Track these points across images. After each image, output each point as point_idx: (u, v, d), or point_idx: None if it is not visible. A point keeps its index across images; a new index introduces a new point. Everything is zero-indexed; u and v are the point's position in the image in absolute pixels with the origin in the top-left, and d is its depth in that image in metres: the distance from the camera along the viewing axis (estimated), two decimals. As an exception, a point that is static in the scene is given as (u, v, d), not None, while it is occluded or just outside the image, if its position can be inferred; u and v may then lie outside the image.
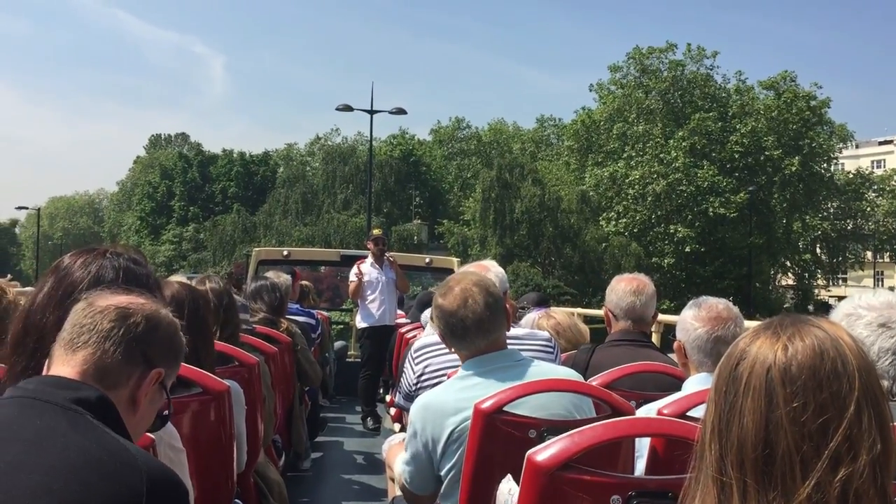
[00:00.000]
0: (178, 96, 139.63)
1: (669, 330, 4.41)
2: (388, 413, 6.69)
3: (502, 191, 36.80)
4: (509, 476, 2.04)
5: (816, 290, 49.76)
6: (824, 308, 44.20)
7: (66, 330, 1.45)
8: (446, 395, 2.43)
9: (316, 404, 6.35)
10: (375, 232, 8.15)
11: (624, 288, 3.32)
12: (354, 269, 7.67)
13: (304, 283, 7.73)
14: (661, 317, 4.56)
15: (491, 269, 3.35)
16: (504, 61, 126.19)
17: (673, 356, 2.79)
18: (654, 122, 41.82)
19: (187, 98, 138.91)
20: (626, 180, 40.62)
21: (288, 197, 43.11)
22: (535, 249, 36.73)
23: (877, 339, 1.78)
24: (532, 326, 3.98)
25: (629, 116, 42.36)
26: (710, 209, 39.37)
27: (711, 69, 43.77)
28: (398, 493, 2.91)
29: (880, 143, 68.04)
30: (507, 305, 2.63)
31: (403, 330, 5.97)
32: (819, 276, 48.80)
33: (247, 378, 3.00)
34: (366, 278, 7.59)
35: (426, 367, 3.30)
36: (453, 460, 2.34)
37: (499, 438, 2.20)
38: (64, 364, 1.41)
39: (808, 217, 42.59)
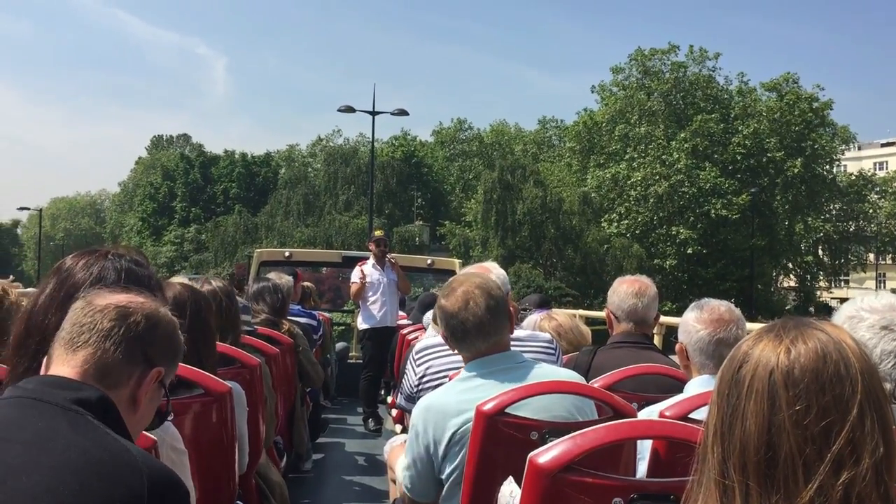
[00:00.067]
0: (180, 97, 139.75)
1: (671, 332, 4.40)
2: (390, 414, 6.69)
3: (504, 192, 36.82)
4: (511, 478, 2.04)
5: (818, 292, 49.70)
6: (825, 310, 44.17)
7: (66, 329, 1.44)
8: (448, 397, 2.42)
9: (317, 405, 6.35)
10: (377, 233, 8.15)
11: (626, 290, 3.32)
12: (357, 271, 7.67)
13: (306, 284, 7.73)
14: (662, 319, 4.54)
15: (492, 271, 3.35)
16: (506, 63, 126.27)
17: (675, 358, 2.78)
18: (656, 123, 41.81)
19: (189, 99, 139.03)
20: (628, 182, 40.61)
21: (290, 198, 43.16)
22: (536, 251, 36.73)
23: (879, 341, 1.77)
24: (534, 328, 3.98)
25: (631, 118, 42.36)
26: (712, 211, 39.35)
27: (714, 71, 43.79)
28: (399, 494, 2.90)
29: (882, 145, 67.98)
30: (511, 308, 2.62)
31: (405, 331, 5.97)
32: (821, 277, 48.75)
33: (248, 379, 3.00)
34: (367, 280, 7.59)
35: (428, 368, 3.30)
36: (455, 462, 2.34)
37: (501, 440, 2.19)
38: (64, 364, 1.40)
39: (810, 219, 42.56)
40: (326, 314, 8.66)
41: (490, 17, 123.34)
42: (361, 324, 7.82)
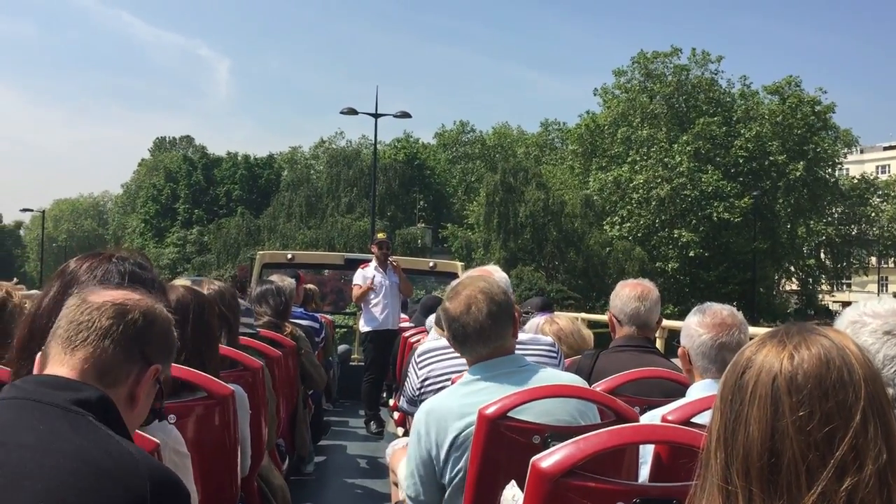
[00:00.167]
0: (183, 99, 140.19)
1: (673, 336, 4.40)
2: (392, 417, 6.69)
3: (506, 195, 36.82)
4: (513, 482, 2.04)
5: (820, 296, 49.66)
6: (825, 313, 44.16)
7: (62, 327, 1.42)
8: (451, 401, 2.42)
9: (319, 408, 6.35)
10: (380, 236, 8.15)
11: (628, 293, 3.32)
12: (361, 274, 7.67)
13: (309, 286, 7.73)
14: (665, 322, 4.55)
15: (494, 275, 3.35)
16: (509, 65, 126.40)
17: (677, 361, 2.78)
18: (659, 126, 41.80)
19: (192, 101, 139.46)
20: (631, 185, 40.60)
21: (292, 200, 43.18)
22: (538, 253, 36.73)
23: (882, 346, 1.77)
24: (536, 331, 3.98)
25: (633, 121, 42.36)
26: (715, 214, 39.32)
27: (716, 74, 43.79)
28: (401, 497, 2.90)
29: (885, 149, 67.90)
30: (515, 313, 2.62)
31: (407, 334, 5.97)
32: (823, 281, 48.72)
33: (251, 382, 3.00)
34: (366, 283, 7.59)
35: (430, 371, 3.31)
36: (457, 466, 2.34)
37: (503, 444, 2.19)
38: (61, 363, 1.39)
39: (812, 222, 42.52)
40: (329, 316, 8.67)
41: (493, 20, 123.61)
42: (363, 326, 7.81)
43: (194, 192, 56.05)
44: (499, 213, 36.67)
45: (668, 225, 40.36)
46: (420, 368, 3.35)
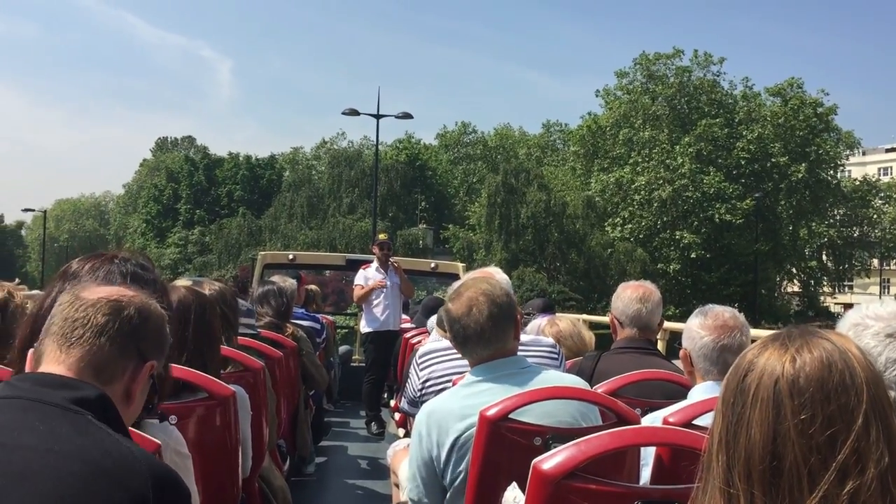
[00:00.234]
0: (185, 100, 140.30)
1: (675, 337, 4.39)
2: (393, 418, 6.69)
3: (508, 196, 36.83)
4: (514, 484, 2.04)
5: (822, 298, 49.64)
6: (825, 315, 44.16)
7: (56, 324, 1.41)
8: (452, 402, 2.42)
9: (320, 409, 6.35)
10: (381, 237, 8.15)
11: (630, 295, 3.31)
12: (363, 275, 7.67)
13: (311, 287, 7.73)
14: (666, 324, 4.54)
15: (495, 277, 3.35)
16: (510, 66, 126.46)
17: (678, 363, 2.78)
18: (661, 128, 41.80)
19: (194, 101, 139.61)
20: (632, 186, 40.59)
21: (293, 201, 43.20)
22: (540, 255, 36.72)
23: (884, 349, 1.77)
24: (537, 333, 3.98)
25: (635, 122, 42.35)
26: (716, 215, 39.30)
27: (718, 75, 43.78)
28: (403, 498, 2.90)
29: (887, 151, 67.88)
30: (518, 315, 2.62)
31: (409, 335, 5.97)
32: (825, 283, 48.69)
33: (252, 383, 3.00)
34: (371, 283, 7.59)
35: (431, 372, 3.31)
36: (458, 468, 2.33)
37: (504, 446, 2.19)
38: (57, 361, 1.38)
39: (814, 224, 42.50)
40: (330, 317, 8.67)
41: (495, 21, 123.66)
42: (364, 327, 7.82)
43: (196, 192, 56.07)
44: (500, 214, 36.67)
45: (670, 226, 40.35)
46: (421, 370, 3.35)
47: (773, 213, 41.77)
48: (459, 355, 2.66)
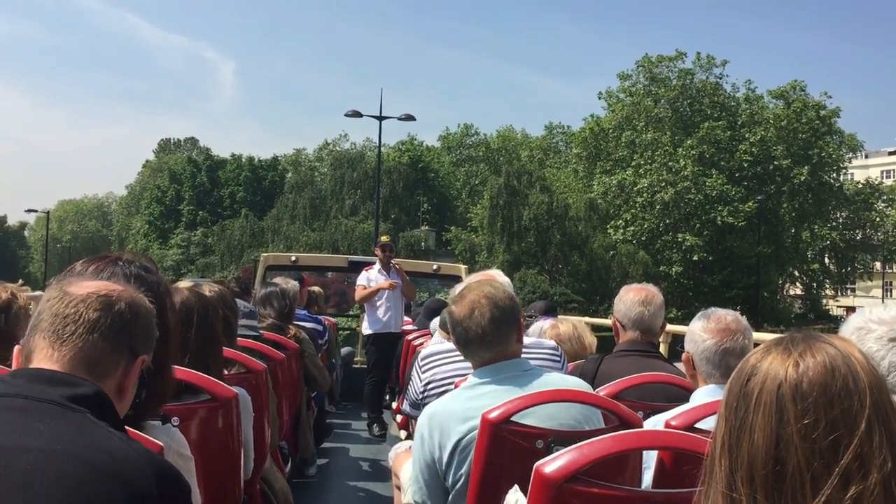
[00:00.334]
0: (188, 101, 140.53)
1: (677, 340, 4.39)
2: (394, 420, 6.69)
3: (510, 198, 36.84)
4: (516, 487, 2.04)
5: (825, 301, 49.61)
6: (826, 318, 44.14)
7: (46, 321, 1.39)
8: (454, 404, 2.42)
9: (322, 410, 6.35)
10: (383, 239, 8.15)
11: (632, 298, 3.31)
12: (365, 276, 7.67)
13: (314, 288, 7.73)
14: (668, 327, 4.55)
15: (497, 279, 3.35)
16: (513, 68, 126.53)
17: (680, 366, 2.78)
18: (663, 130, 41.80)
19: (197, 103, 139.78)
20: (635, 188, 40.59)
21: (296, 202, 43.25)
22: (542, 257, 36.72)
23: (887, 353, 1.76)
24: (539, 335, 3.98)
25: (638, 124, 42.36)
26: (719, 218, 39.29)
27: (721, 78, 43.81)
28: (404, 500, 2.90)
29: (890, 154, 67.85)
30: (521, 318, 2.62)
31: (411, 337, 5.96)
32: (827, 286, 48.67)
33: (254, 385, 3.00)
34: (373, 285, 7.59)
35: (433, 375, 3.31)
36: (460, 470, 2.33)
37: (506, 448, 2.19)
38: (49, 358, 1.36)
39: (816, 227, 42.49)
40: (332, 319, 8.66)
41: (497, 23, 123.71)
42: (366, 329, 7.82)
43: (198, 193, 56.15)
44: (502, 216, 36.68)
45: (672, 229, 40.34)
46: (423, 372, 3.35)
47: (776, 216, 41.75)
48: (462, 358, 2.66)
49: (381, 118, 26.54)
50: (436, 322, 4.87)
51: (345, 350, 9.85)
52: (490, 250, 37.05)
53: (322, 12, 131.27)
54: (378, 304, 7.62)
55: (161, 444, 1.63)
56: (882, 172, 63.60)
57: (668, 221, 40.44)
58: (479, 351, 2.45)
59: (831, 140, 43.67)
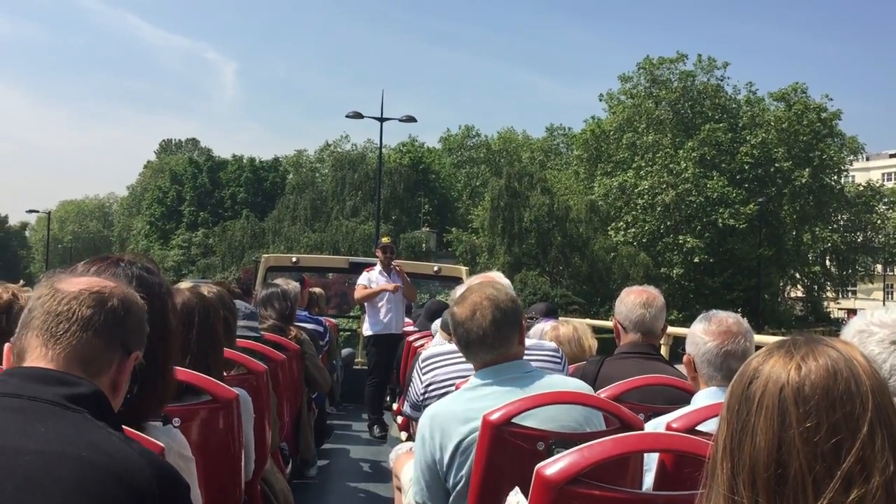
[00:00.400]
0: (190, 102, 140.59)
1: (678, 342, 4.39)
2: (395, 421, 6.69)
3: (511, 199, 36.84)
4: (517, 489, 2.03)
5: (826, 303, 49.59)
6: (826, 320, 44.13)
7: (38, 318, 1.37)
8: (455, 405, 2.42)
9: (323, 411, 6.35)
10: (384, 240, 8.16)
11: (634, 300, 3.31)
12: (366, 276, 7.67)
13: (315, 289, 7.74)
14: (670, 329, 4.53)
15: (497, 281, 3.35)
16: (514, 70, 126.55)
17: (682, 368, 2.78)
18: (664, 132, 41.81)
19: (198, 104, 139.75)
20: (636, 190, 40.61)
21: (297, 203, 43.26)
22: (543, 258, 36.72)
23: (889, 356, 1.76)
24: (540, 337, 3.98)
25: (639, 126, 42.38)
26: (720, 220, 39.29)
27: (722, 80, 43.82)
28: (405, 501, 2.90)
29: (891, 156, 67.82)
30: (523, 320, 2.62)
31: (412, 339, 5.97)
32: (828, 288, 48.66)
33: (255, 386, 3.00)
34: (374, 286, 7.60)
35: (434, 376, 3.31)
36: (461, 472, 2.33)
37: (507, 450, 2.19)
38: (44, 357, 1.35)
39: (817, 229, 42.50)
40: (333, 320, 8.67)
41: (498, 24, 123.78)
42: (367, 330, 7.82)
43: (199, 194, 56.17)
44: (503, 218, 36.69)
45: (673, 231, 40.35)
46: (424, 373, 3.35)
47: (777, 218, 41.76)
48: (463, 359, 2.66)
49: (382, 119, 26.57)
50: (437, 323, 4.87)
51: (345, 351, 9.85)
52: (491, 252, 37.04)
53: (323, 13, 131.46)
54: (379, 305, 7.62)
55: (162, 444, 1.63)
56: (883, 175, 63.60)
57: (668, 223, 40.45)
58: (480, 352, 2.46)
59: (832, 142, 43.69)
